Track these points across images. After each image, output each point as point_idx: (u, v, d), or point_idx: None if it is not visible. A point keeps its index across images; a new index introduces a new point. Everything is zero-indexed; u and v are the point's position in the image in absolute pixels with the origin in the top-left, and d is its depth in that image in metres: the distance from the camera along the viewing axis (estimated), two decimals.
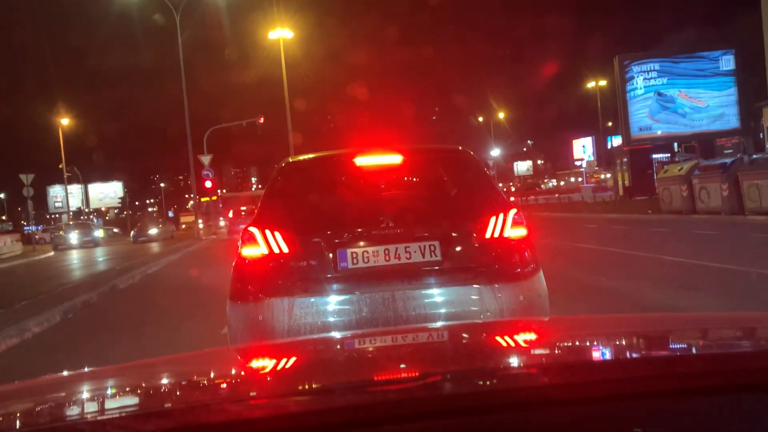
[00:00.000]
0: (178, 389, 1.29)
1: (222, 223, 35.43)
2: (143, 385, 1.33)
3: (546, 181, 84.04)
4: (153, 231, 34.23)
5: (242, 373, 1.44)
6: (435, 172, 3.84)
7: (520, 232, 3.29)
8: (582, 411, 0.96)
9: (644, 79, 30.47)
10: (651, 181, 25.15)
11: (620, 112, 31.54)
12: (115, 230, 53.82)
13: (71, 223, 41.97)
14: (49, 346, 6.41)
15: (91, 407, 1.16)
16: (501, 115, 61.20)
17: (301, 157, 3.87)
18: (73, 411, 1.16)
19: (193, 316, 6.86)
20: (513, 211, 3.31)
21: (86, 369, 1.59)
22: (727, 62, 29.62)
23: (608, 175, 50.68)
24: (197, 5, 27.52)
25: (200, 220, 41.33)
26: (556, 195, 48.05)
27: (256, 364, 1.51)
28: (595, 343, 1.47)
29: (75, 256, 24.81)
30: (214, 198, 39.09)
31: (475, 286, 3.10)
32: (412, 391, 1.00)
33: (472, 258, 3.19)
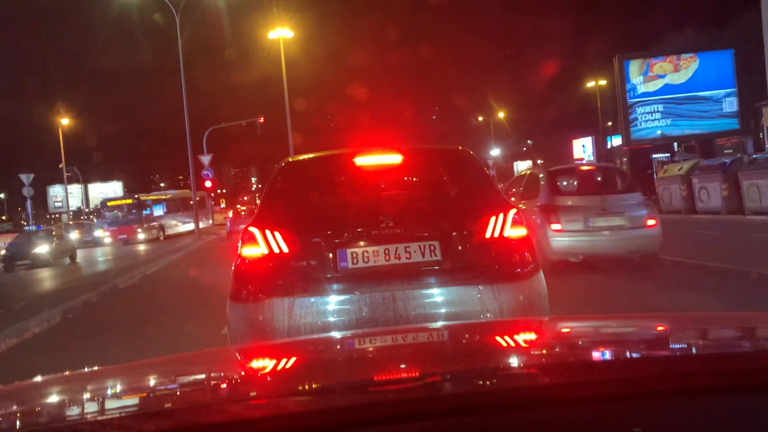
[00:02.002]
0: (178, 389, 1.30)
1: (142, 235, 29.68)
2: (143, 385, 1.33)
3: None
4: (40, 250, 19.90)
5: (242, 373, 1.44)
6: (435, 172, 3.85)
7: (520, 232, 3.29)
8: (582, 411, 0.96)
9: (648, 120, 30.87)
10: (651, 181, 25.18)
11: (620, 113, 31.55)
12: None
13: (71, 223, 41.43)
14: (49, 346, 6.41)
15: (91, 407, 1.16)
16: (501, 115, 61.13)
17: (301, 157, 3.87)
18: (73, 411, 1.16)
19: (193, 316, 6.87)
20: (513, 211, 3.31)
21: (86, 369, 1.59)
22: (731, 104, 29.96)
23: None
24: (197, 5, 27.51)
25: (76, 230, 32.22)
26: None
27: (256, 364, 1.51)
28: (595, 343, 1.47)
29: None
30: (129, 201, 32.03)
31: (475, 285, 3.09)
32: (412, 391, 1.00)
33: (472, 258, 3.18)
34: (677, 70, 30.40)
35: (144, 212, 31.55)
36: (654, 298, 6.35)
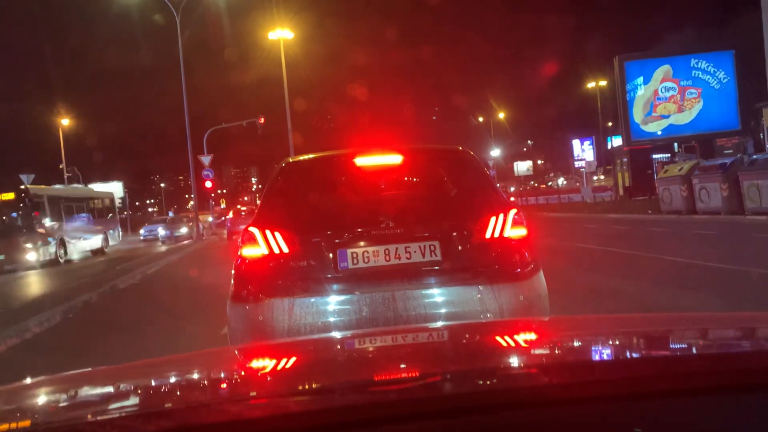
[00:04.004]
0: (178, 389, 1.29)
1: (32, 255, 16.20)
2: (143, 385, 1.33)
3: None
4: None
5: (242, 373, 1.44)
6: (435, 172, 3.84)
7: (520, 232, 3.29)
8: (582, 411, 0.96)
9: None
10: (651, 181, 25.21)
11: (620, 113, 31.55)
12: None
13: None
14: (49, 346, 6.40)
15: (91, 407, 1.16)
16: (501, 115, 61.22)
17: (301, 158, 3.87)
18: (73, 411, 1.16)
19: (193, 316, 6.87)
20: (513, 211, 3.31)
21: (86, 369, 1.59)
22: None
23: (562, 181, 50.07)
24: (197, 5, 27.52)
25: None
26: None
27: (256, 364, 1.51)
28: (595, 343, 1.47)
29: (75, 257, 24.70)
30: (10, 196, 18.99)
31: (475, 286, 3.09)
32: (412, 391, 1.00)
33: (472, 258, 3.18)
34: (681, 111, 30.24)
35: (40, 217, 19.19)
36: (654, 298, 6.35)
